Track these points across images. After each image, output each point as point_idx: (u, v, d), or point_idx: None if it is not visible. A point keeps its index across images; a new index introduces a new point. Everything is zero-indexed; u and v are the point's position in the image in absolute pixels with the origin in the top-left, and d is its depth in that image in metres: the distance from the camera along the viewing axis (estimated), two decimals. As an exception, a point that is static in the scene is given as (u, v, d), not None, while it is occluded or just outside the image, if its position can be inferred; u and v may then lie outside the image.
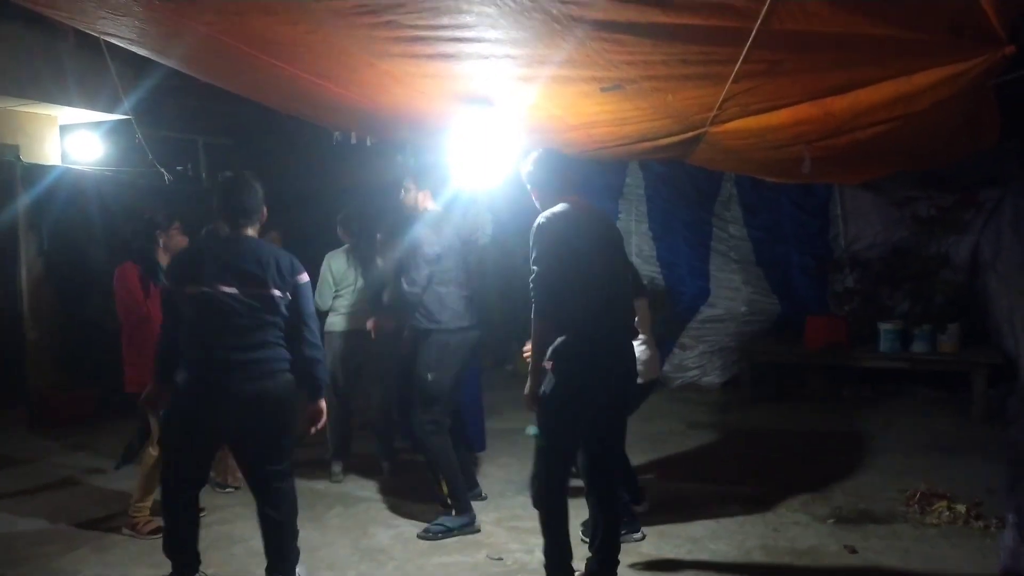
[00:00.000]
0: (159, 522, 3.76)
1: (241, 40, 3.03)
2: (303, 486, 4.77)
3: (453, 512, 3.99)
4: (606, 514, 3.26)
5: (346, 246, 5.17)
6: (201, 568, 3.29)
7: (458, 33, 2.71)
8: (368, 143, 5.37)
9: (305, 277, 3.19)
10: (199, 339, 3.07)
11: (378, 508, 4.45)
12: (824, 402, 6.89)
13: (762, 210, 7.47)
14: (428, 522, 4.06)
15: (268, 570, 3.20)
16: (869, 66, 3.08)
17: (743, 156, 4.61)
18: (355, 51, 3.01)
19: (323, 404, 3.27)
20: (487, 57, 2.96)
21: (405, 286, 3.88)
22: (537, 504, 3.15)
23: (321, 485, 4.86)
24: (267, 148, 8.64)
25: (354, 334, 4.96)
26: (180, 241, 4.20)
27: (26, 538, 4.06)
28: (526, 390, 3.16)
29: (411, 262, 3.89)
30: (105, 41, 3.75)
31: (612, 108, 3.61)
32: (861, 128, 3.77)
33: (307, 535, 4.02)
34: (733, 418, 6.52)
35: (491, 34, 2.72)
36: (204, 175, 9.12)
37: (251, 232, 3.19)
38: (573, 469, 3.28)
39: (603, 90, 3.28)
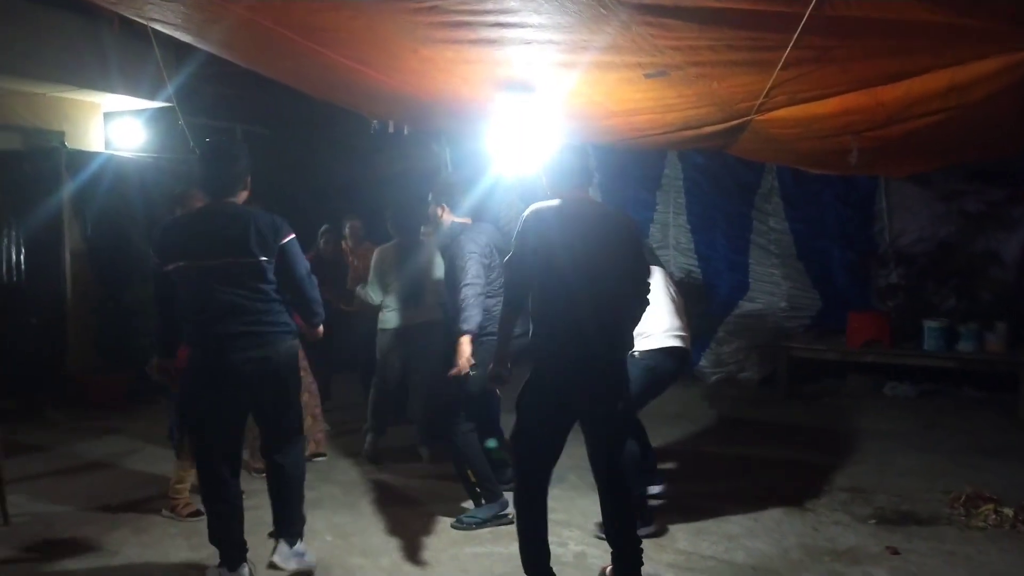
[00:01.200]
0: (198, 505, 3.80)
1: (283, 25, 3.02)
2: (340, 474, 4.83)
3: (483, 501, 3.99)
4: (612, 507, 3.20)
5: (395, 241, 5.10)
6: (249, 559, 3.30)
7: (502, 18, 2.67)
8: (405, 132, 5.37)
9: (289, 237, 3.15)
10: (193, 315, 3.09)
11: (413, 497, 4.45)
12: (865, 400, 6.74)
13: (804, 203, 7.31)
14: (462, 512, 4.07)
15: (275, 533, 3.24)
16: (923, 54, 2.98)
17: (788, 146, 4.51)
18: (398, 37, 3.00)
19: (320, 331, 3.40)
20: (529, 42, 2.92)
21: (469, 294, 3.82)
22: (515, 501, 3.16)
23: (357, 473, 4.88)
24: (304, 138, 8.69)
25: (406, 330, 4.95)
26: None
27: (64, 519, 4.12)
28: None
29: (468, 271, 3.85)
30: (150, 28, 3.79)
31: (655, 95, 3.54)
32: (912, 119, 3.66)
33: (341, 520, 4.06)
34: (771, 415, 6.42)
35: (535, 19, 2.68)
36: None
37: (232, 201, 3.16)
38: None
39: (647, 76, 3.22)
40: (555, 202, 3.11)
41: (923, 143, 4.22)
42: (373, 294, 5.02)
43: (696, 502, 4.21)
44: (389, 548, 3.73)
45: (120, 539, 3.86)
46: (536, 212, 3.08)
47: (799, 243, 7.40)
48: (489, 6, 2.57)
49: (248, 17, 2.98)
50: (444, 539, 3.84)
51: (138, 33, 5.72)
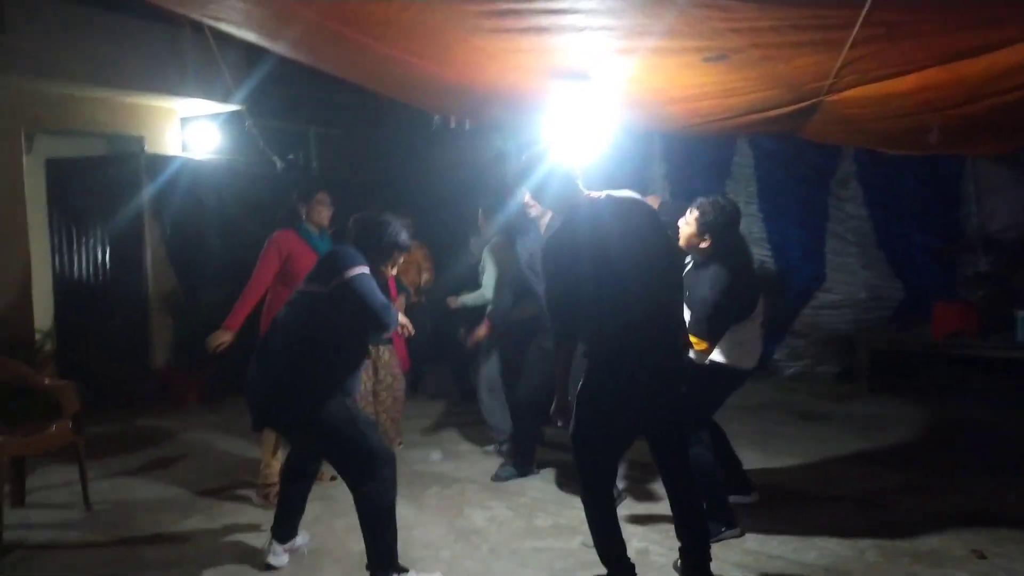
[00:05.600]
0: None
1: (334, 19, 3.04)
2: (405, 467, 4.85)
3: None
4: (678, 502, 3.12)
5: (504, 235, 4.88)
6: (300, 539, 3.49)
7: (550, 4, 2.62)
8: (467, 127, 5.36)
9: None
10: None
11: (474, 490, 4.45)
12: (950, 395, 6.41)
13: (884, 188, 6.97)
14: (523, 506, 4.09)
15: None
16: (1007, 24, 2.78)
17: (863, 127, 4.29)
18: (447, 27, 2.97)
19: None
20: (582, 29, 2.85)
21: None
22: (582, 498, 3.08)
23: (420, 466, 4.91)
24: (372, 137, 8.80)
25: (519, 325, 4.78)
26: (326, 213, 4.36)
27: (144, 506, 4.29)
28: (552, 408, 3.14)
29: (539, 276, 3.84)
30: (217, 31, 3.89)
31: (718, 79, 3.42)
32: (997, 94, 3.44)
33: (404, 513, 4.05)
34: (849, 409, 6.16)
35: (585, 3, 2.62)
36: (315, 164, 9.42)
37: None
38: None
39: (706, 60, 3.11)
40: (564, 220, 3.02)
41: (1010, 120, 3.96)
42: (500, 296, 4.76)
43: (765, 499, 4.07)
44: (449, 541, 3.73)
45: (193, 525, 3.99)
46: (550, 241, 3.05)
47: (879, 230, 7.07)
48: (537, -8, 2.52)
49: (300, 12, 3.01)
50: (505, 532, 3.82)
51: (212, 38, 5.89)
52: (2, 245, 6.16)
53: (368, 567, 3.14)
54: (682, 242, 3.49)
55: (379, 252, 3.24)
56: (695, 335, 3.41)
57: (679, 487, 3.13)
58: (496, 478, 4.57)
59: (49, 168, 7.04)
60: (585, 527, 3.15)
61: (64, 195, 7.07)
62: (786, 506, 4.00)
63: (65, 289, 7.11)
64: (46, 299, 6.99)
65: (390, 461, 3.14)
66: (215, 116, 7.56)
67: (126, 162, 7.08)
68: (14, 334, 5.84)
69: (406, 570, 3.18)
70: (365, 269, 3.14)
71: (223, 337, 4.10)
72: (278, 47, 3.91)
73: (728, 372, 3.63)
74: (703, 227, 3.43)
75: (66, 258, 7.11)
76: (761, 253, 7.53)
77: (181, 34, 6.69)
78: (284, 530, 3.48)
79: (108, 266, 7.10)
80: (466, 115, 4.80)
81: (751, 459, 4.78)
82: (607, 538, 3.06)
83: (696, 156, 7.63)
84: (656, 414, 3.04)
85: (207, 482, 4.64)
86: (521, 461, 4.61)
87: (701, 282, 3.47)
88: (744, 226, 7.45)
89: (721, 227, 3.43)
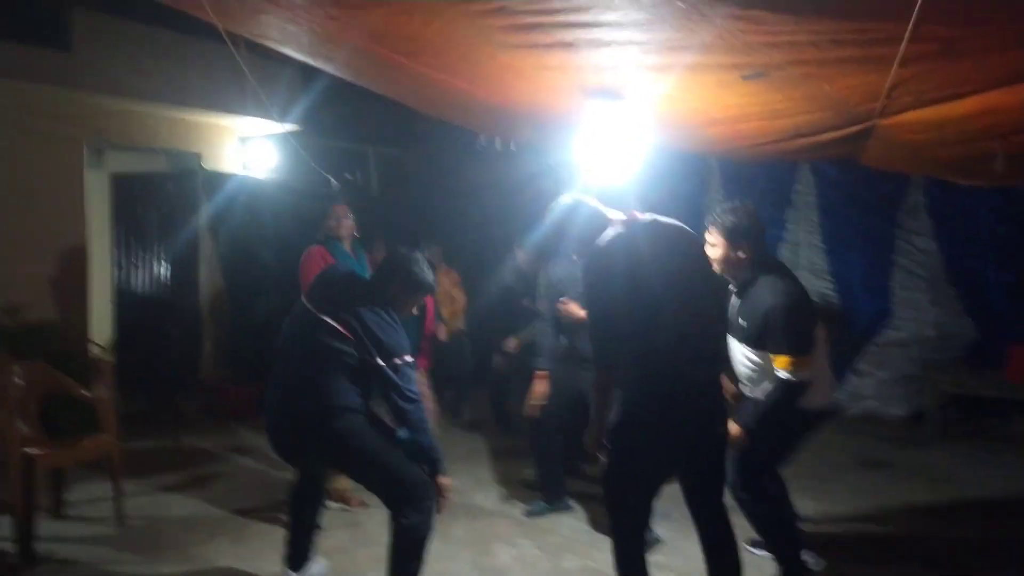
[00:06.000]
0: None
1: (363, 35, 3.00)
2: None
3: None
4: (714, 547, 2.92)
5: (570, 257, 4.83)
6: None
7: (572, 17, 2.50)
8: (512, 147, 5.29)
9: None
10: None
11: (504, 525, 4.29)
12: (1028, 444, 5.95)
13: (955, 220, 6.57)
14: (553, 545, 3.93)
15: None
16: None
17: (922, 154, 4.03)
18: (474, 43, 2.89)
19: None
20: (609, 43, 2.73)
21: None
22: (612, 541, 2.86)
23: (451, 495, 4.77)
24: (426, 157, 8.84)
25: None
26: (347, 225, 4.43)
27: (175, 524, 4.28)
28: (587, 436, 2.92)
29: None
30: (271, 51, 3.91)
31: (759, 99, 3.24)
32: (1070, 118, 3.15)
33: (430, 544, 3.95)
34: (915, 457, 5.75)
35: (609, 16, 2.49)
36: (374, 184, 9.52)
37: None
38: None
39: (745, 78, 2.94)
40: (610, 236, 2.79)
41: (1090, 148, 3.64)
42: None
43: (820, 555, 3.74)
44: (465, 581, 3.59)
45: (217, 547, 3.96)
46: (595, 255, 2.79)
47: (950, 264, 6.66)
48: (557, 4, 2.41)
49: (331, 27, 2.98)
50: (530, 573, 3.65)
51: (268, 56, 5.99)
52: (62, 255, 6.35)
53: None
54: (718, 267, 3.19)
55: (404, 291, 3.16)
56: (776, 353, 3.09)
57: (713, 539, 2.93)
58: (528, 514, 4.40)
59: (114, 183, 7.29)
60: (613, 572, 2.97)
61: (127, 209, 7.30)
62: (844, 562, 3.70)
63: (125, 302, 7.31)
64: (107, 311, 7.19)
65: (432, 491, 3.04)
66: (273, 136, 7.70)
67: (185, 179, 7.27)
68: (69, 344, 5.98)
69: None
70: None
71: None
72: (322, 65, 3.91)
73: (795, 413, 3.25)
74: (733, 235, 3.14)
75: (127, 271, 7.33)
76: (823, 286, 7.20)
77: (238, 53, 6.83)
78: (296, 558, 3.39)
79: (165, 281, 7.27)
80: (504, 135, 4.72)
81: (802, 508, 4.49)
82: None
83: (755, 183, 7.35)
84: (693, 456, 2.84)
85: (241, 502, 4.61)
86: (550, 494, 4.43)
87: (756, 297, 3.14)
88: (806, 257, 7.24)
89: (753, 231, 3.15)
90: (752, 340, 3.17)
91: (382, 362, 2.92)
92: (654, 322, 2.69)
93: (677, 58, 2.82)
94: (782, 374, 3.07)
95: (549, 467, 4.41)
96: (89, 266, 6.62)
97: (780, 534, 3.35)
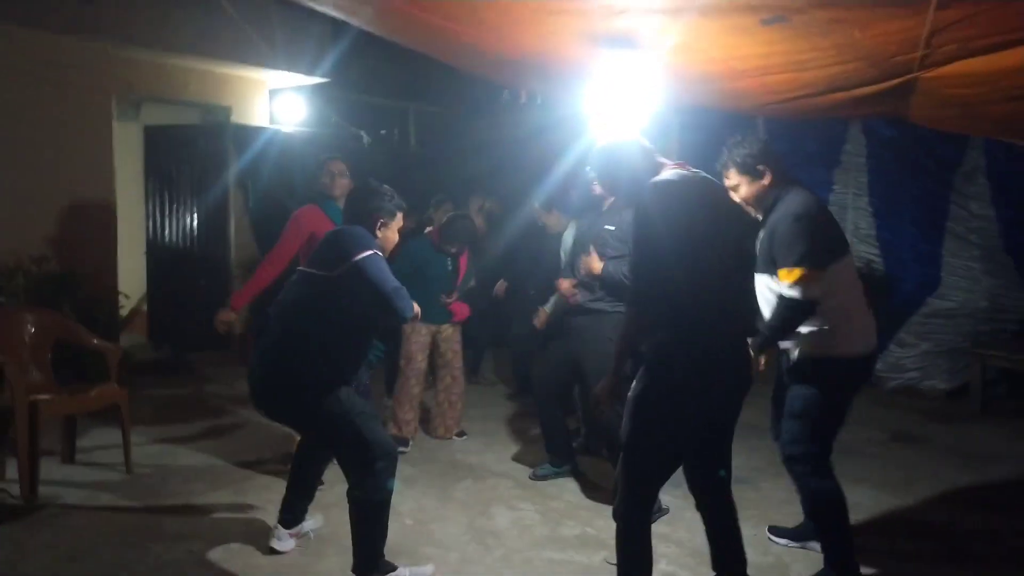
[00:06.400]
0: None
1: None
2: (438, 456, 4.69)
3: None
4: (717, 540, 2.77)
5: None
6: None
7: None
8: (538, 100, 5.08)
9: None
10: None
11: (508, 487, 4.19)
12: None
13: (1016, 185, 6.13)
14: (554, 511, 3.82)
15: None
16: None
17: (972, 111, 3.69)
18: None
19: None
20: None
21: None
22: (615, 515, 2.66)
23: (459, 456, 4.71)
24: (460, 113, 8.63)
25: None
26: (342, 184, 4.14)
27: (181, 473, 4.31)
28: (600, 385, 2.74)
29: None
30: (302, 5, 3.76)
31: (783, 48, 2.97)
32: None
33: (426, 504, 3.91)
34: (953, 433, 5.45)
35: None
36: (412, 141, 9.38)
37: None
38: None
39: (764, 23, 2.68)
40: (674, 173, 2.58)
41: None
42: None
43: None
44: (463, 542, 3.49)
45: (220, 497, 3.96)
46: (665, 187, 2.54)
47: (1008, 233, 6.24)
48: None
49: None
50: (526, 538, 3.54)
51: (299, 9, 5.86)
52: (90, 207, 6.39)
53: (353, 568, 2.95)
54: (744, 200, 2.98)
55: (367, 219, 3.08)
56: (783, 266, 2.81)
57: (716, 519, 2.77)
58: (533, 476, 4.30)
59: (146, 134, 7.29)
60: (613, 540, 2.84)
61: (159, 161, 7.31)
62: (865, 542, 3.43)
63: (158, 253, 7.37)
64: (138, 263, 7.26)
65: (387, 454, 2.92)
66: (302, 88, 7.59)
67: (215, 132, 7.23)
68: (97, 293, 6.04)
69: (394, 568, 2.97)
70: (376, 251, 2.93)
71: (226, 316, 3.96)
72: (346, 17, 3.74)
73: (833, 364, 2.92)
74: (748, 166, 2.92)
75: (159, 223, 7.36)
76: (869, 252, 6.84)
77: (270, 5, 6.71)
78: (290, 515, 3.36)
79: (196, 232, 7.29)
80: (521, 85, 4.51)
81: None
82: (634, 559, 2.68)
83: (803, 143, 6.98)
84: (710, 427, 2.65)
85: (250, 454, 4.62)
86: (556, 457, 4.31)
87: (772, 217, 2.90)
88: (851, 221, 6.87)
89: (765, 151, 2.93)
90: (768, 264, 2.92)
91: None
92: (699, 275, 2.48)
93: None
94: (788, 291, 2.79)
95: (553, 430, 4.29)
96: (119, 218, 6.66)
97: (829, 519, 3.02)
